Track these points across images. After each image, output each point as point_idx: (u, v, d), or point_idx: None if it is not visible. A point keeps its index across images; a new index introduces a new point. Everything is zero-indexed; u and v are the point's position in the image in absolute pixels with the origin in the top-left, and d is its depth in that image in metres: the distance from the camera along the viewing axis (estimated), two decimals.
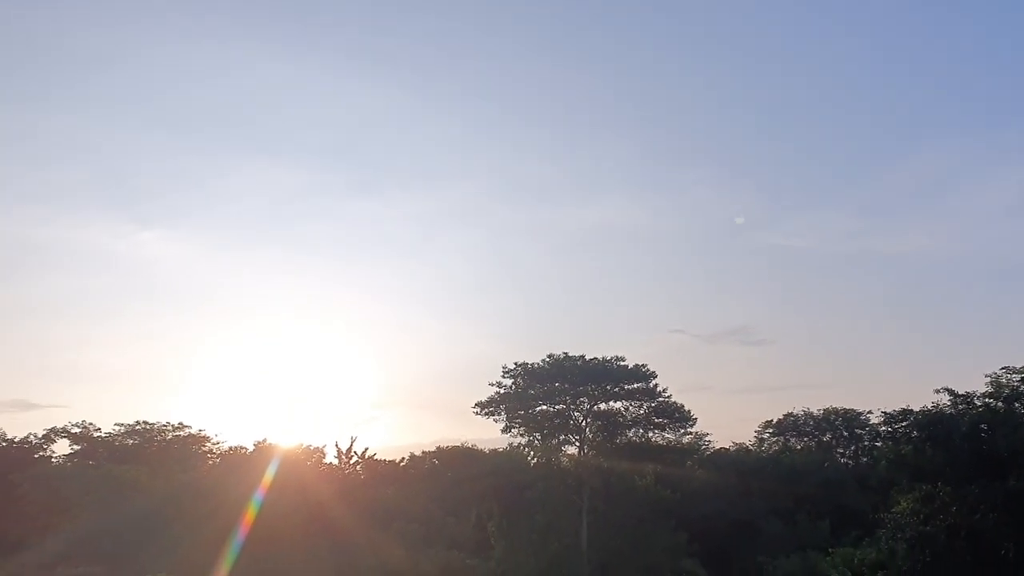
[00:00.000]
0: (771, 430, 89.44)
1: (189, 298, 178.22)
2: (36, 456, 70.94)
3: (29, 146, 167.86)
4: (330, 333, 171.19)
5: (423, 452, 72.21)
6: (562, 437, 65.64)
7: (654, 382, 63.21)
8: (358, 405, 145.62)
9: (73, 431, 74.54)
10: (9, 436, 72.26)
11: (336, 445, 67.71)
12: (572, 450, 65.59)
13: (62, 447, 74.37)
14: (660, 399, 63.34)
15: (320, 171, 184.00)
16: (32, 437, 72.91)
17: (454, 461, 65.43)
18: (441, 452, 68.99)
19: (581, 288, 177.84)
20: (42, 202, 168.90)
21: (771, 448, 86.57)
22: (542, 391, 63.35)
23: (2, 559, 50.40)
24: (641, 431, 64.47)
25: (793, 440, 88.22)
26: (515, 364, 63.92)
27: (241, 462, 64.16)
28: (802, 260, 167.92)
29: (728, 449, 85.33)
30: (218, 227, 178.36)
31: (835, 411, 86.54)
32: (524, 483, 63.37)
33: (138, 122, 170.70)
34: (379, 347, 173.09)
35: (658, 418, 63.62)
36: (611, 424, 64.49)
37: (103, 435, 75.38)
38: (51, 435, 73.42)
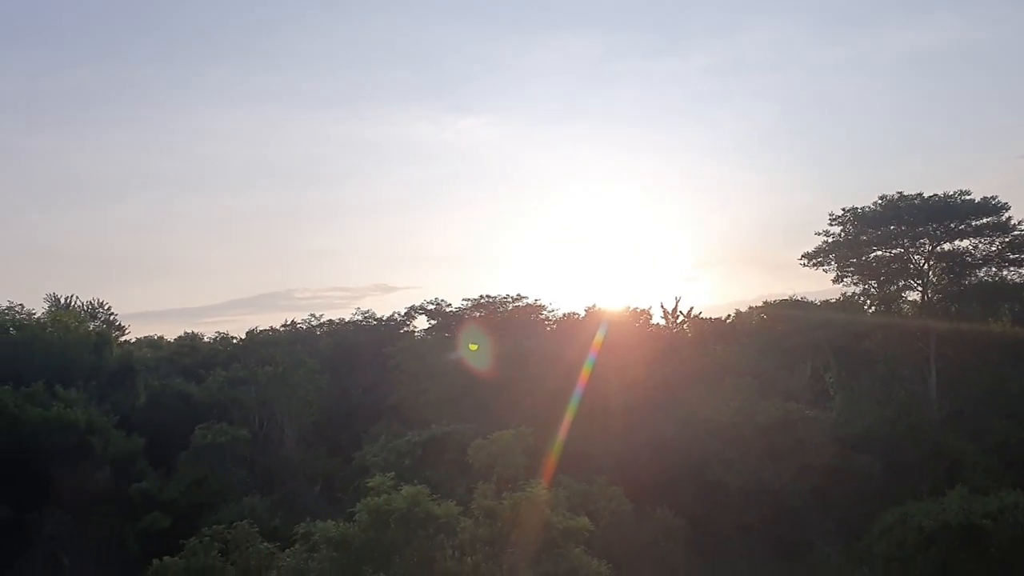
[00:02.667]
0: None
1: (514, 177, 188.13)
2: (401, 331, 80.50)
3: (353, 51, 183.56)
4: (645, 197, 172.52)
5: (749, 308, 71.51)
6: (901, 283, 61.78)
7: (1006, 215, 57.02)
8: (679, 266, 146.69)
9: (428, 308, 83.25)
10: (377, 315, 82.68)
11: (661, 306, 69.19)
12: (913, 296, 61.55)
13: (421, 322, 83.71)
14: (1015, 233, 57.10)
15: (616, 36, 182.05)
16: (396, 315, 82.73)
17: (783, 315, 64.06)
18: (768, 307, 67.80)
19: (912, 121, 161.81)
20: (377, 104, 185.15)
21: None
22: (876, 236, 59.58)
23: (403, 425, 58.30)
24: (993, 270, 58.84)
25: None
26: (843, 210, 60.52)
27: (575, 327, 67.88)
28: None
29: None
30: (528, 105, 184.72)
31: None
32: (861, 333, 60.75)
33: (445, 15, 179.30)
34: (696, 206, 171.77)
35: (1013, 254, 57.52)
36: (957, 265, 59.43)
37: (453, 309, 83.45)
38: (412, 312, 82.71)
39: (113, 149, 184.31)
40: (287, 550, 28.86)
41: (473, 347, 62.64)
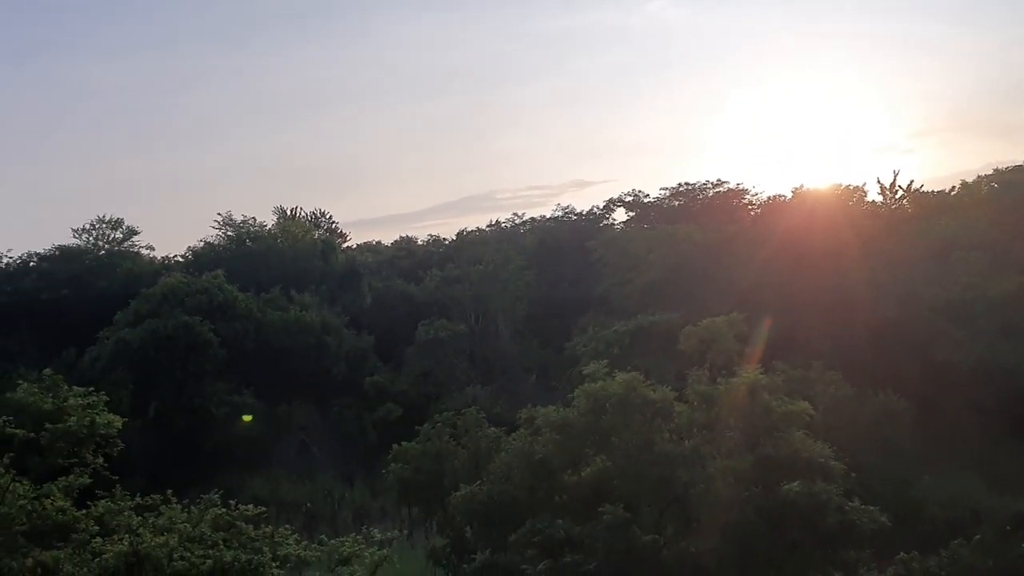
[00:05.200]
0: None
1: (707, 58, 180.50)
2: (600, 225, 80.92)
3: None
4: (854, 66, 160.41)
5: (978, 177, 65.91)
6: None
7: None
8: (894, 138, 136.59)
9: (626, 200, 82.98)
10: (577, 211, 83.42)
11: (878, 181, 65.14)
12: None
13: (619, 215, 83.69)
14: None
15: None
16: (595, 209, 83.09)
17: (1017, 183, 58.62)
18: (1000, 174, 62.22)
19: None
20: None
21: None
22: None
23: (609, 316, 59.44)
24: None
25: None
26: None
27: (780, 209, 65.48)
28: None
29: None
30: None
31: None
32: None
33: None
34: (910, 71, 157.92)
35: None
36: None
37: (651, 200, 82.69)
38: (610, 205, 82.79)
39: (325, 64, 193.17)
40: (512, 434, 30.67)
41: (679, 235, 61.86)
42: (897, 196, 64.18)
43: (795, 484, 23.89)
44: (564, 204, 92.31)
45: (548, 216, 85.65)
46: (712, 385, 28.41)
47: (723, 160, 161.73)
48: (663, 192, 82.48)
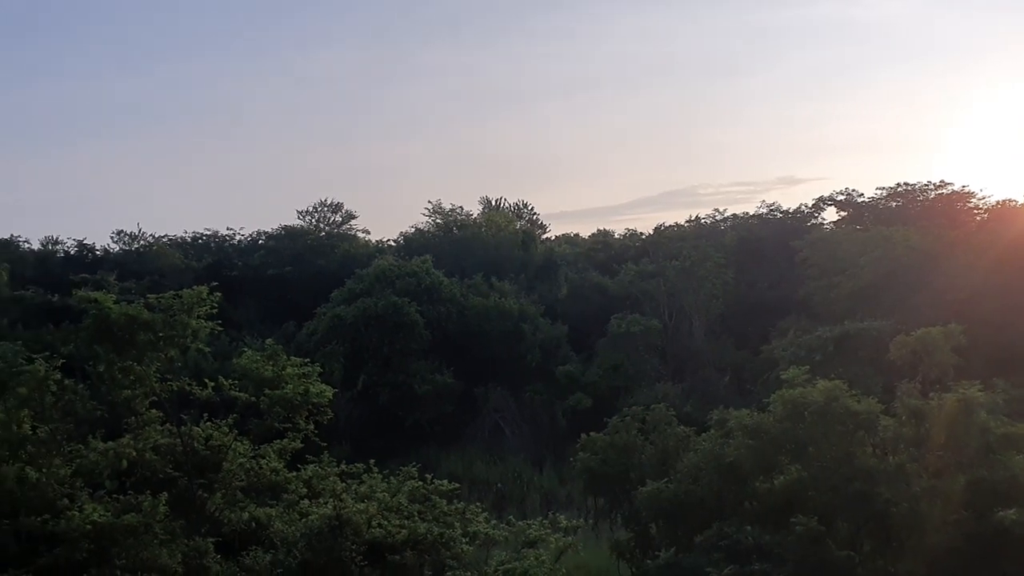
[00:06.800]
0: None
1: (930, 56, 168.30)
2: (808, 224, 77.57)
3: None
4: None
5: None
6: None
7: None
8: None
9: (838, 199, 79.09)
10: (783, 208, 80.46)
11: None
12: None
13: (829, 214, 79.92)
14: None
15: None
16: (803, 207, 79.81)
17: None
18: None
19: None
20: None
21: None
22: None
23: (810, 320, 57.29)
24: None
25: None
26: None
27: (1012, 215, 60.26)
28: None
29: None
30: None
31: None
32: None
33: None
34: None
35: None
36: None
37: (866, 200, 78.36)
38: (820, 204, 79.22)
39: (534, 57, 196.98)
40: (702, 434, 30.22)
41: (895, 238, 58.41)
42: None
43: (1011, 512, 22.11)
44: (770, 201, 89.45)
45: (751, 213, 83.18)
46: (923, 400, 26.74)
47: (947, 161, 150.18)
48: (879, 192, 78.17)
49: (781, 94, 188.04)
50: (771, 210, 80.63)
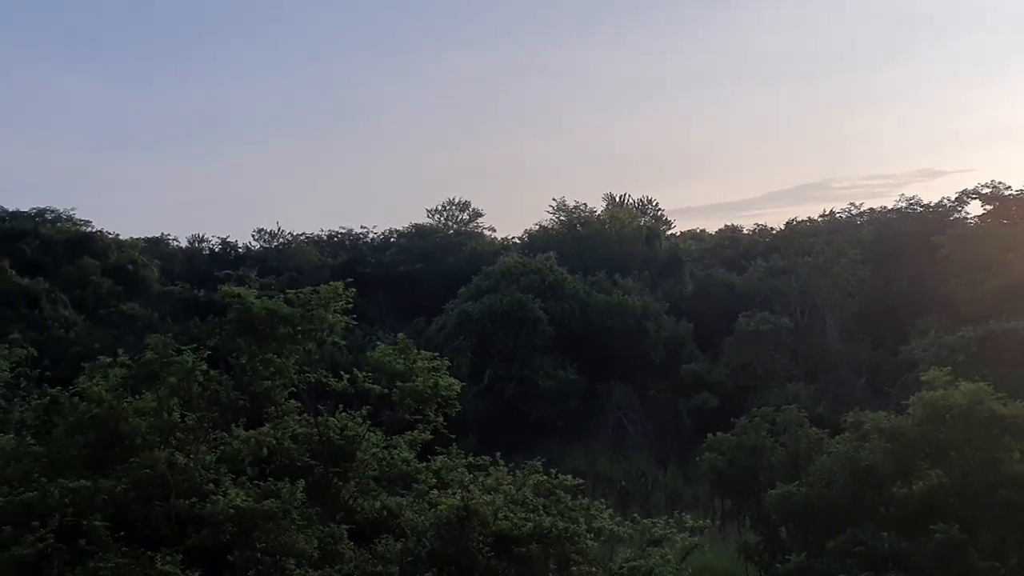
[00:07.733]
0: None
1: None
2: (950, 219, 73.60)
3: None
4: None
5: None
6: None
7: None
8: None
9: (983, 192, 74.60)
10: (923, 202, 76.65)
11: None
12: None
13: (973, 208, 75.48)
14: None
15: None
16: (945, 201, 75.77)
17: None
18: None
19: None
20: None
21: None
22: None
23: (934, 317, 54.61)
24: None
25: None
26: None
27: None
28: None
29: None
30: None
31: None
32: None
33: None
34: None
35: None
36: None
37: (1014, 193, 73.61)
38: (964, 197, 74.96)
39: (663, 52, 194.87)
40: (836, 437, 29.27)
41: None
42: None
43: None
44: (909, 195, 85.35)
45: (889, 207, 79.60)
46: None
47: None
48: None
49: (921, 82, 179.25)
50: (910, 204, 77.03)
